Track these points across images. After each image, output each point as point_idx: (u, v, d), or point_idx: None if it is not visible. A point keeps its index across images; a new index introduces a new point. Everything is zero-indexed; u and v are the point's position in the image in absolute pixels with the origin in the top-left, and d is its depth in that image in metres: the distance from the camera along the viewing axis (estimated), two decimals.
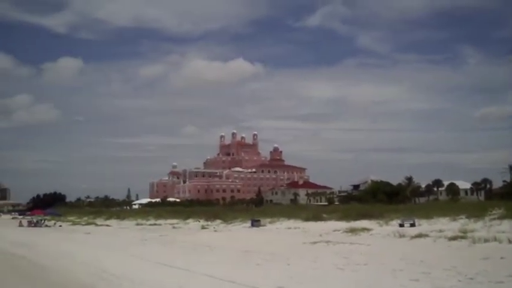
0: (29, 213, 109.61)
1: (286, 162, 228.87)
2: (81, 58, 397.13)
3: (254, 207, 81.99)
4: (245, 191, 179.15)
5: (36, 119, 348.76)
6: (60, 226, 60.68)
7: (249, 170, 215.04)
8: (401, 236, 25.42)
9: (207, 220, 49.72)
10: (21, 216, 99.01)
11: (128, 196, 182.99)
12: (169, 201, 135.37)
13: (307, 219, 39.46)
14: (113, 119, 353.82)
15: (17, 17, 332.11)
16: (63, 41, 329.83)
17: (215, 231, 40.09)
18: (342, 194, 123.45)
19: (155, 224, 53.88)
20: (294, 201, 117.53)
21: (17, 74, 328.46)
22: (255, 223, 41.33)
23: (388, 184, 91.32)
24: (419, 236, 24.48)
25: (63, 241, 33.92)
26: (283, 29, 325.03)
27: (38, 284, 14.50)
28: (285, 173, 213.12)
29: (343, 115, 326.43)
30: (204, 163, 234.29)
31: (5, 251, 26.17)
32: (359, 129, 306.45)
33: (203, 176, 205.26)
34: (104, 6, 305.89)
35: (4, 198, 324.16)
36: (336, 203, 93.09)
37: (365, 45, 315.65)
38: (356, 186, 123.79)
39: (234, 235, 34.31)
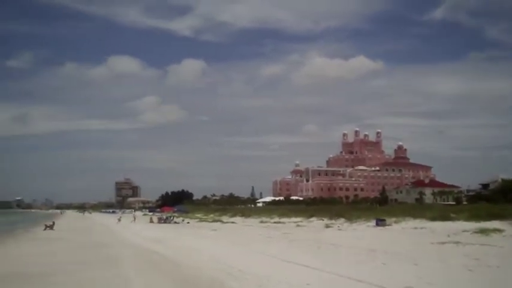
0: (159, 210, 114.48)
1: (411, 161, 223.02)
2: (203, 60, 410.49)
3: (378, 206, 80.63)
4: (369, 190, 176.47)
5: (163, 120, 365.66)
6: (188, 223, 62.69)
7: (373, 169, 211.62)
8: None
9: (330, 219, 49.44)
10: (151, 213, 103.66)
11: (252, 194, 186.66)
12: (293, 200, 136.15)
13: (433, 219, 38.11)
14: (236, 119, 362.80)
15: (146, 23, 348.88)
16: (187, 44, 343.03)
17: (339, 229, 39.83)
18: (470, 193, 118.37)
19: (279, 222, 54.31)
20: (420, 200, 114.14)
21: (144, 77, 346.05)
22: (380, 222, 40.58)
23: None
24: None
25: (191, 237, 35.04)
26: (405, 24, 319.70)
27: (170, 278, 15.05)
28: (410, 172, 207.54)
29: (469, 111, 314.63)
30: (327, 161, 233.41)
31: (139, 246, 27.43)
32: (487, 126, 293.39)
33: (326, 174, 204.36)
34: (228, 8, 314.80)
35: (135, 195, 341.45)
36: (464, 203, 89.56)
37: (493, 37, 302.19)
38: (485, 186, 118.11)
39: (359, 234, 33.92)
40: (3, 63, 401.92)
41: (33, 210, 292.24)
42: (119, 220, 72.66)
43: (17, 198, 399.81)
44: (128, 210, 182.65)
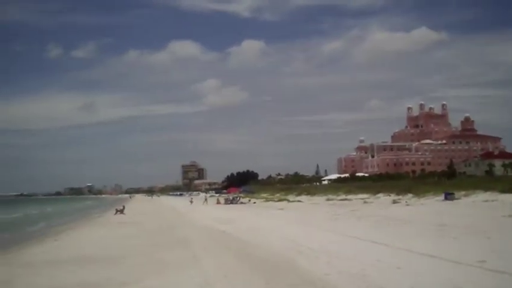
0: (225, 191, 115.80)
1: (479, 132, 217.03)
2: (263, 40, 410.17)
3: (446, 180, 79.07)
4: (436, 164, 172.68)
5: (225, 102, 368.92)
6: (254, 203, 63.14)
7: (439, 142, 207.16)
8: None
9: (398, 194, 48.93)
10: (218, 195, 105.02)
11: (317, 172, 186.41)
12: (358, 176, 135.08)
13: (504, 191, 37.09)
14: (299, 97, 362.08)
15: (206, 6, 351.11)
16: (246, 25, 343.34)
17: (407, 205, 39.37)
18: None
19: (345, 199, 54.15)
20: (490, 172, 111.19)
21: (205, 60, 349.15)
22: (449, 196, 39.83)
23: None
24: None
25: (258, 217, 35.39)
26: None
27: (240, 257, 15.25)
28: (478, 144, 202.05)
29: None
30: (392, 136, 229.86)
31: (208, 227, 27.88)
32: None
33: (391, 149, 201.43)
34: None
35: (201, 177, 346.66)
36: None
37: None
38: None
39: (427, 209, 33.44)
40: (69, 54, 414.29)
41: (103, 196, 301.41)
42: (191, 202, 74.29)
43: (88, 184, 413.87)
44: (194, 193, 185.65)
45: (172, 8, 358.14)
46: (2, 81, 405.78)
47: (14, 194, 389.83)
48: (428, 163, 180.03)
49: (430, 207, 35.20)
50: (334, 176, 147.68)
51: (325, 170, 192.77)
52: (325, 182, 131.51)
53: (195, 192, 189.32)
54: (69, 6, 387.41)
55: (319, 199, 60.51)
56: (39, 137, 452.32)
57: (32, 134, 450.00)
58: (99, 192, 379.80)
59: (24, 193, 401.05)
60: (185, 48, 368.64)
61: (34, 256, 18.43)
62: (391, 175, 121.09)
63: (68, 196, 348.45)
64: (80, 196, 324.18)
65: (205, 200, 76.17)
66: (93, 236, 26.25)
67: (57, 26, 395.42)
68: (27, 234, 32.67)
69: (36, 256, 18.36)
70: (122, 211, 49.87)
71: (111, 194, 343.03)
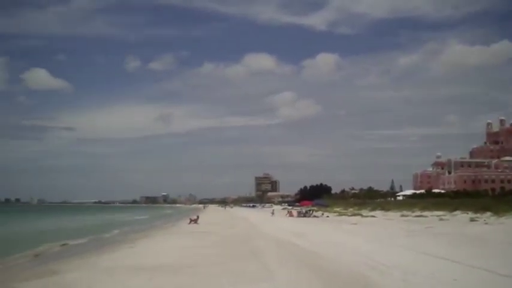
0: (297, 204, 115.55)
1: None
2: (338, 53, 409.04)
3: None
4: None
5: (299, 115, 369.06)
6: (327, 217, 62.74)
7: None
8: None
9: (475, 212, 47.42)
10: (290, 207, 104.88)
11: (392, 187, 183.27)
12: (434, 193, 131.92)
13: None
14: (374, 111, 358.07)
15: (282, 19, 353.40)
16: (321, 38, 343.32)
17: (486, 223, 38.11)
18: None
19: (421, 216, 52.94)
20: None
21: (280, 73, 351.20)
22: None
23: None
24: None
25: (331, 231, 35.09)
26: None
27: (312, 270, 15.19)
28: None
29: None
30: (470, 152, 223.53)
31: (281, 239, 27.87)
32: None
33: (469, 166, 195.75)
34: (363, 0, 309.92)
35: (274, 190, 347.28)
36: None
37: None
38: None
39: (508, 228, 32.27)
40: (147, 66, 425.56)
41: (177, 205, 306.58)
42: (272, 214, 75.90)
43: (163, 193, 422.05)
44: (267, 205, 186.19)
45: (249, 22, 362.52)
46: (87, 92, 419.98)
47: (92, 201, 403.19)
48: (509, 181, 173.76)
49: (510, 226, 33.97)
50: (409, 192, 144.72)
51: (400, 186, 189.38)
52: (400, 198, 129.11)
53: (267, 204, 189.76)
54: (149, 20, 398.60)
55: (394, 215, 59.48)
56: (119, 146, 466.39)
57: (112, 144, 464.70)
58: (174, 201, 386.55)
59: (102, 201, 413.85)
60: (260, 61, 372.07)
61: (112, 262, 18.99)
62: (468, 192, 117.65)
63: (144, 205, 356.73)
64: (155, 205, 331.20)
65: (273, 212, 77.38)
66: (168, 245, 26.75)
67: (136, 39, 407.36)
68: (105, 240, 33.69)
69: (114, 262, 18.92)
70: (195, 221, 50.59)
71: (185, 203, 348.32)
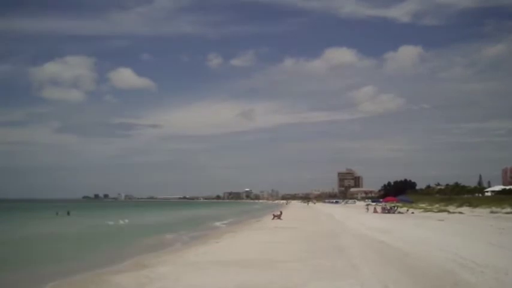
0: (381, 200, 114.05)
1: None
2: (421, 45, 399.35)
3: None
4: None
5: (381, 109, 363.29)
6: (413, 213, 61.67)
7: None
8: None
9: None
10: (374, 203, 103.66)
11: (480, 183, 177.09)
12: None
13: None
14: (459, 104, 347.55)
15: (364, 13, 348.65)
16: (403, 30, 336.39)
17: None
18: None
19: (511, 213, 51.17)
20: None
21: (361, 67, 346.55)
22: None
23: None
24: None
25: (417, 227, 34.42)
26: None
27: (398, 267, 15.01)
28: None
29: None
30: None
31: (365, 236, 27.63)
32: None
33: None
34: None
35: (357, 185, 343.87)
36: None
37: None
38: None
39: None
40: (228, 63, 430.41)
41: (260, 201, 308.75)
42: (367, 209, 75.27)
43: (246, 189, 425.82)
44: (350, 201, 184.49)
45: (330, 16, 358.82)
46: (171, 90, 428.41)
47: (177, 196, 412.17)
48: None
49: None
50: (498, 188, 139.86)
51: (488, 181, 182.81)
52: (488, 194, 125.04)
53: (350, 200, 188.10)
54: (229, 17, 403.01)
55: (482, 211, 57.64)
56: (202, 143, 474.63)
57: (196, 140, 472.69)
58: (256, 197, 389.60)
59: (187, 196, 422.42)
60: (341, 55, 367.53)
61: (199, 256, 19.43)
62: None
63: (227, 200, 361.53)
64: (238, 201, 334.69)
65: (367, 208, 76.65)
66: (252, 240, 27.05)
67: (218, 36, 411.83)
68: (191, 236, 34.41)
69: (201, 256, 19.34)
70: (279, 216, 50.84)
71: (267, 199, 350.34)
